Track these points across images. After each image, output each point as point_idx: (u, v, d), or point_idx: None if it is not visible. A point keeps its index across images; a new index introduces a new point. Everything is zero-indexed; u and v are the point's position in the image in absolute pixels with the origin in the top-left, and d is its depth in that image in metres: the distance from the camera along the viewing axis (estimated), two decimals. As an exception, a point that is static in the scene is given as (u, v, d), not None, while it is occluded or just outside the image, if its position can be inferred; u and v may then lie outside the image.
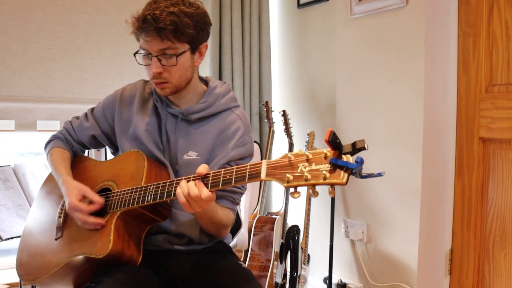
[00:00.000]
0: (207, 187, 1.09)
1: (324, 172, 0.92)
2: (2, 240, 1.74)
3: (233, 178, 1.05)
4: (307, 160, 0.96)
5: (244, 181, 1.04)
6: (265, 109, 2.59)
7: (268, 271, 2.19)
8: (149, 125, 1.36)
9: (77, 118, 1.50)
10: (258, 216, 2.35)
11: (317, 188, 0.96)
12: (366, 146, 0.90)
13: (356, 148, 0.91)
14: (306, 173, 0.94)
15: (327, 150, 0.94)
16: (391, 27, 2.09)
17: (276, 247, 2.24)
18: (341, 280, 2.37)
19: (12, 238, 1.66)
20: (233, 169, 1.06)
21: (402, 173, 2.09)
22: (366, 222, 2.27)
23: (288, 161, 0.98)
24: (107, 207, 1.24)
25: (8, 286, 2.06)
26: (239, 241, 2.11)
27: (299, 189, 0.97)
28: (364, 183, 2.23)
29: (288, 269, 2.28)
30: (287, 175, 0.96)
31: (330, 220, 2.35)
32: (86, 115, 1.47)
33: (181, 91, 1.33)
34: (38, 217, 1.42)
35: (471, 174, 2.00)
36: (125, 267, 1.21)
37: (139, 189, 1.20)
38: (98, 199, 1.24)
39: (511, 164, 1.88)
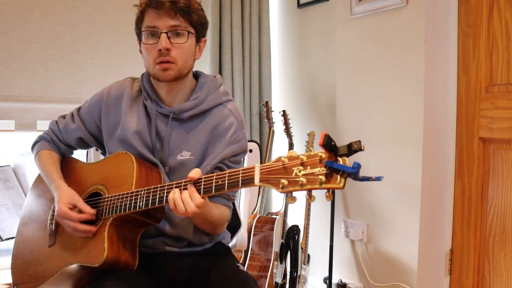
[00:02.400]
0: (199, 193, 1.06)
1: (320, 176, 0.88)
2: (2, 240, 1.74)
3: (226, 184, 1.01)
4: (302, 164, 0.91)
5: (237, 187, 1.00)
6: (265, 109, 2.59)
7: (268, 271, 2.19)
8: (138, 126, 1.31)
9: (63, 117, 1.44)
10: (258, 216, 2.35)
11: (314, 191, 0.93)
12: (362, 147, 0.85)
13: (352, 149, 0.86)
14: (301, 178, 0.90)
15: (322, 152, 0.89)
16: (391, 27, 2.09)
17: (276, 247, 2.24)
18: (341, 280, 2.37)
19: (12, 238, 1.66)
20: (226, 174, 1.02)
21: (402, 173, 2.09)
22: (366, 222, 2.27)
23: (282, 165, 0.93)
24: (99, 214, 1.21)
25: (8, 286, 2.06)
26: (239, 241, 2.11)
27: (294, 193, 0.93)
28: (364, 183, 2.23)
29: (288, 269, 2.28)
30: (282, 180, 0.91)
31: (330, 220, 2.35)
32: (72, 115, 1.42)
33: (176, 85, 1.29)
34: (30, 222, 1.38)
35: (471, 174, 2.00)
36: (122, 272, 1.19)
37: (129, 194, 1.16)
38: (89, 210, 1.20)
39: (511, 164, 1.88)
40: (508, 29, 1.85)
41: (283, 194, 0.95)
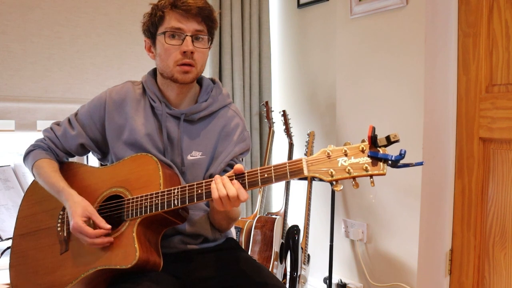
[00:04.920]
0: (244, 187, 1.09)
1: (365, 165, 0.99)
2: (2, 240, 1.74)
3: (273, 176, 1.06)
4: (345, 154, 1.01)
5: (286, 178, 1.06)
6: (265, 109, 2.59)
7: (268, 271, 2.19)
8: (148, 129, 1.32)
9: (58, 124, 1.41)
10: (258, 216, 2.35)
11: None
12: (399, 139, 0.97)
13: (390, 141, 0.98)
14: (348, 167, 1.00)
15: (363, 144, 1.00)
16: (391, 27, 2.09)
17: (276, 247, 2.24)
18: (341, 280, 2.37)
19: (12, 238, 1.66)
20: (271, 167, 1.07)
21: (402, 173, 2.08)
22: (366, 222, 2.27)
23: (327, 156, 1.02)
24: (124, 215, 1.20)
25: (8, 286, 2.06)
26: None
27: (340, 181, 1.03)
28: (364, 183, 2.23)
29: (288, 269, 2.28)
30: (330, 169, 1.01)
31: (330, 220, 2.35)
32: (69, 121, 1.39)
33: (186, 88, 1.33)
34: (30, 231, 1.34)
35: (471, 174, 2.00)
36: (147, 273, 1.18)
37: (160, 193, 1.17)
38: (104, 225, 1.18)
39: (511, 164, 1.88)
40: (508, 29, 1.85)
41: (330, 182, 1.03)
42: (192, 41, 1.25)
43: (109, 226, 1.18)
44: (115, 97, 1.35)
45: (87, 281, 1.20)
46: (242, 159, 1.42)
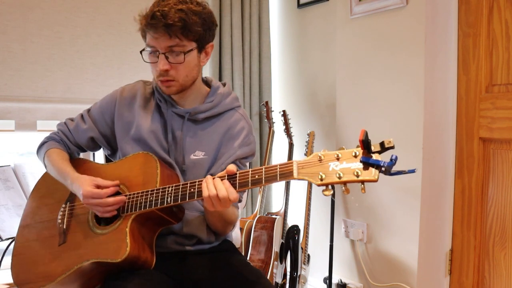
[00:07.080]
0: (235, 188, 1.09)
1: (356, 170, 0.97)
2: (2, 240, 1.74)
3: (263, 178, 1.06)
4: (337, 159, 0.99)
5: (275, 180, 1.05)
6: (265, 109, 2.59)
7: (268, 271, 2.19)
8: (153, 126, 1.35)
9: (72, 120, 1.46)
10: (258, 216, 2.35)
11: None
12: (393, 145, 0.96)
13: (384, 147, 0.96)
14: (338, 171, 0.98)
15: (357, 149, 0.98)
16: (391, 27, 2.09)
17: (276, 247, 2.24)
18: (341, 280, 2.37)
19: (12, 238, 1.66)
20: (262, 169, 1.07)
21: (402, 173, 2.08)
22: (366, 222, 2.27)
23: (319, 160, 1.01)
24: (120, 211, 1.22)
25: (8, 286, 2.06)
26: (233, 239, 2.12)
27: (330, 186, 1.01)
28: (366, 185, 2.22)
29: (288, 269, 2.28)
30: (320, 173, 0.99)
31: (330, 220, 2.35)
32: (82, 116, 1.44)
33: (186, 91, 1.33)
34: (33, 223, 1.38)
35: (471, 174, 2.00)
36: (139, 272, 1.18)
37: (155, 191, 1.18)
38: (112, 183, 1.22)
39: (511, 164, 1.88)
40: (508, 29, 1.85)
41: (320, 187, 1.00)
42: (167, 57, 1.23)
43: (117, 181, 1.24)
44: (126, 94, 1.39)
45: (80, 274, 1.21)
46: (246, 164, 1.41)
